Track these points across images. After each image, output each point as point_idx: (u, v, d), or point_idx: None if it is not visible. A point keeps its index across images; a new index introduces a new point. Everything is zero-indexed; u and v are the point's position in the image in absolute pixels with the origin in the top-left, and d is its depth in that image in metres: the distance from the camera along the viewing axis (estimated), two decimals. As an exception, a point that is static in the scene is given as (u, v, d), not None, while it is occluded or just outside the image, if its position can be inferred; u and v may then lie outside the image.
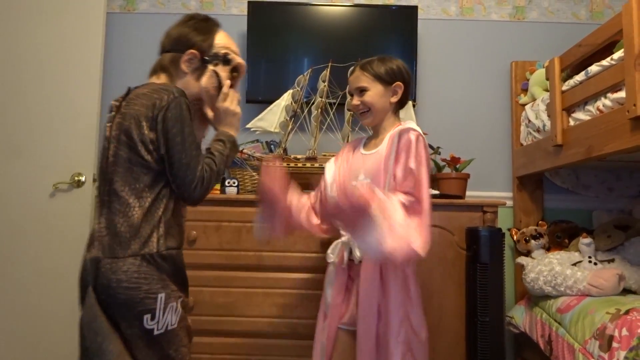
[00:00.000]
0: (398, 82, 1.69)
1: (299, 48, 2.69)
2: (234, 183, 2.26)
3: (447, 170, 2.51)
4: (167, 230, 1.29)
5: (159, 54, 1.50)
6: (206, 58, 1.42)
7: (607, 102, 1.77)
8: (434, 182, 2.31)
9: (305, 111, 2.48)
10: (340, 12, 2.69)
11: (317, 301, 2.10)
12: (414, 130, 1.61)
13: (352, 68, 1.76)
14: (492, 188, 2.69)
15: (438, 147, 2.51)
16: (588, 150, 1.86)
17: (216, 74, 1.43)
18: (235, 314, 2.11)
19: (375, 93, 1.67)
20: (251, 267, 2.11)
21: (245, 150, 2.36)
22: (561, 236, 2.47)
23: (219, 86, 1.44)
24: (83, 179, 2.50)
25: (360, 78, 1.69)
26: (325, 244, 2.12)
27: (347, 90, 1.82)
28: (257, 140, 2.50)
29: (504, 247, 1.99)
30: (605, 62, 1.77)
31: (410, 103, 2.35)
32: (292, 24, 2.67)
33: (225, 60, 1.45)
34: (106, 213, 1.30)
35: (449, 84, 2.79)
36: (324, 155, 2.29)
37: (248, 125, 2.37)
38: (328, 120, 2.44)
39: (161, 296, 1.24)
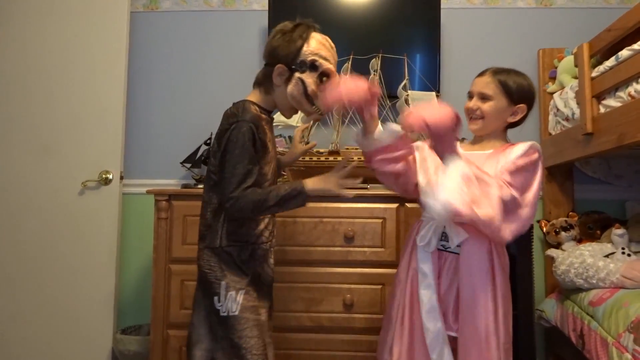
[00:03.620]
0: (523, 105, 1.59)
1: (320, 41, 2.67)
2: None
3: (473, 161, 2.45)
4: (231, 228, 1.49)
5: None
6: (293, 67, 1.49)
7: (639, 88, 1.70)
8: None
9: (328, 105, 2.47)
10: (362, 4, 2.66)
11: (340, 295, 2.10)
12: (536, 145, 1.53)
13: (484, 70, 1.64)
14: (520, 179, 2.62)
15: (463, 139, 2.46)
16: (620, 138, 1.80)
17: (301, 80, 1.49)
18: (260, 308, 2.12)
19: (496, 106, 1.57)
20: (275, 262, 2.11)
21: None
22: (593, 227, 2.41)
23: (306, 92, 1.50)
24: (110, 176, 2.55)
25: (488, 85, 1.58)
26: (349, 238, 2.11)
27: (469, 90, 1.66)
28: (280, 135, 2.50)
29: (533, 239, 1.95)
30: (636, 46, 1.72)
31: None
32: (313, 18, 2.62)
33: (312, 66, 1.49)
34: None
35: (474, 74, 2.66)
36: (347, 149, 2.28)
37: (270, 120, 2.37)
38: (350, 113, 2.42)
39: (223, 283, 1.47)
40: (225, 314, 1.45)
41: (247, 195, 1.41)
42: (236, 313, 1.45)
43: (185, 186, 2.40)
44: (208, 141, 2.58)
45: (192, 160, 2.54)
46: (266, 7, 2.72)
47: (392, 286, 1.68)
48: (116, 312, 2.55)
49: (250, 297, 1.48)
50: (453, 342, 1.50)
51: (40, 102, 2.61)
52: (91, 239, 2.53)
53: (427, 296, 1.50)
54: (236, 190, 1.40)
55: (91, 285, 2.52)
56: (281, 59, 1.49)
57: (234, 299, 1.46)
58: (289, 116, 1.61)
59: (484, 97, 1.59)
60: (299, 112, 2.26)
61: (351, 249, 2.12)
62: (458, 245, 1.51)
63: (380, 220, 2.13)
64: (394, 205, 2.12)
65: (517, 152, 1.51)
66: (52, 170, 2.58)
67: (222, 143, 1.45)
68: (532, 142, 1.54)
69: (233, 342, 1.44)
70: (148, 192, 2.22)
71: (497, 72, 1.60)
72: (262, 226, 1.54)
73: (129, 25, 2.64)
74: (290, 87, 1.49)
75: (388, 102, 2.41)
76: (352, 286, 2.10)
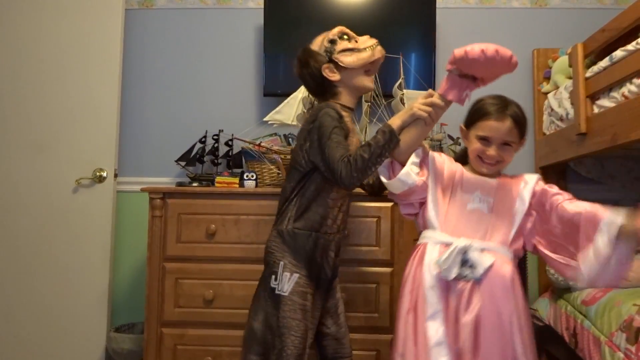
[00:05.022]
0: (524, 138, 1.56)
1: (316, 40, 2.67)
2: (252, 176, 2.26)
3: (467, 161, 2.46)
4: (298, 213, 1.60)
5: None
6: (329, 58, 1.64)
7: (633, 88, 1.71)
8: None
9: (323, 103, 2.47)
10: (358, 3, 2.66)
11: (336, 294, 2.09)
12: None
13: (499, 114, 1.50)
14: (514, 179, 2.63)
15: (458, 138, 2.47)
16: (613, 138, 1.81)
17: (341, 51, 1.63)
18: (254, 306, 2.11)
19: (515, 149, 1.54)
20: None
21: (263, 144, 2.36)
22: (586, 227, 2.41)
23: (351, 50, 1.63)
24: (105, 174, 2.54)
25: (512, 132, 1.50)
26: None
27: (485, 135, 1.52)
28: (275, 134, 2.50)
29: (527, 238, 1.95)
30: (630, 47, 1.72)
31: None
32: (309, 16, 2.65)
33: (332, 42, 1.64)
34: None
35: (469, 73, 2.74)
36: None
37: (265, 119, 2.37)
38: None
39: (282, 263, 1.58)
40: (278, 292, 1.56)
41: (354, 158, 1.47)
42: (286, 294, 1.56)
43: (179, 184, 2.39)
44: (203, 139, 2.57)
45: (186, 158, 2.53)
46: (261, 5, 2.72)
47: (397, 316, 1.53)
48: (110, 310, 2.54)
49: (303, 282, 1.57)
50: None
51: (34, 99, 2.59)
52: (85, 237, 2.52)
53: (434, 328, 1.38)
54: (342, 158, 1.47)
55: (85, 283, 2.51)
56: (319, 63, 1.64)
57: (288, 280, 1.57)
58: (371, 83, 1.70)
59: (506, 144, 1.52)
60: (294, 109, 2.29)
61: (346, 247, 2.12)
62: None
63: (375, 219, 2.13)
64: (389, 204, 2.12)
65: (532, 180, 1.57)
66: (46, 167, 2.56)
67: (313, 130, 1.55)
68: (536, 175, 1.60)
69: (278, 321, 1.55)
70: (142, 190, 2.22)
71: (517, 117, 1.52)
72: (327, 214, 1.61)
73: (123, 23, 2.63)
74: (344, 62, 1.62)
75: (383, 101, 2.41)
76: (347, 285, 2.10)
